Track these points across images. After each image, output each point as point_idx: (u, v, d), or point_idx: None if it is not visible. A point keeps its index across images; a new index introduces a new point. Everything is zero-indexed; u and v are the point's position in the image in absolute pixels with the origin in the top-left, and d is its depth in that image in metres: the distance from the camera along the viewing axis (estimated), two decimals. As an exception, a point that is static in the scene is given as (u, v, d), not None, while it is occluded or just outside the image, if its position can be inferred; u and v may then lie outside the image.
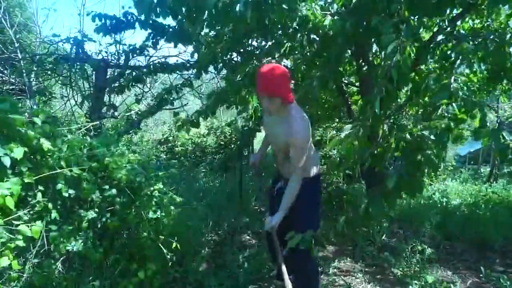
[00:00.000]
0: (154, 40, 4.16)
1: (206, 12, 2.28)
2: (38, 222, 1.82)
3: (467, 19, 3.57)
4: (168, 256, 2.41)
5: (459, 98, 1.84)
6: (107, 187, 2.25)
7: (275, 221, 2.24)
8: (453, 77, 1.94)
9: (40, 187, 1.93)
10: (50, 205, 1.92)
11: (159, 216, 2.40)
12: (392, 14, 2.24)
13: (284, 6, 2.35)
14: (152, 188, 2.40)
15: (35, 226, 1.77)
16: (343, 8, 2.96)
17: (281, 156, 2.38)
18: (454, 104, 1.84)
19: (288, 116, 2.20)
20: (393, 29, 2.08)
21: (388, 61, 1.93)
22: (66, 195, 2.04)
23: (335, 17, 2.82)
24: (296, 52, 3.33)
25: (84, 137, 2.49)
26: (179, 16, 2.42)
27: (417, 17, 2.52)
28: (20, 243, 1.69)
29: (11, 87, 5.34)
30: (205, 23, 2.41)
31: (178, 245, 2.46)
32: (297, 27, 2.92)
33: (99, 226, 2.22)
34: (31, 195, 1.91)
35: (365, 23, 2.57)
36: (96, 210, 2.20)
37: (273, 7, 2.31)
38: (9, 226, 1.66)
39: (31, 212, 1.88)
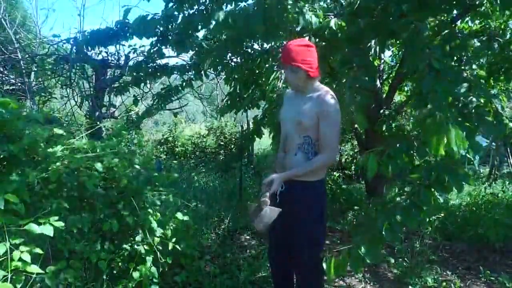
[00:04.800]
0: (157, 48, 4.14)
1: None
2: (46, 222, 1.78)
3: (466, 20, 3.59)
4: (163, 260, 2.39)
5: (477, 88, 1.86)
6: (114, 192, 2.24)
7: (273, 178, 1.96)
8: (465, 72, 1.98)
9: (45, 188, 1.92)
10: (55, 206, 1.91)
11: (159, 219, 2.40)
12: (403, 15, 2.26)
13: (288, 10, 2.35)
14: (151, 192, 2.40)
15: (45, 226, 1.73)
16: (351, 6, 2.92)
17: (295, 144, 2.06)
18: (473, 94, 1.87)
19: (317, 92, 2.03)
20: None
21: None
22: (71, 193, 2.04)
23: (337, 18, 2.80)
24: None
25: (90, 139, 2.47)
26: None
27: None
28: (34, 247, 1.65)
29: (11, 87, 5.33)
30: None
31: (177, 247, 2.44)
32: (302, 29, 2.89)
33: (101, 227, 2.21)
34: (37, 196, 1.90)
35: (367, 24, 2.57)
36: (99, 210, 2.20)
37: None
38: (17, 227, 1.63)
39: (39, 213, 1.84)
